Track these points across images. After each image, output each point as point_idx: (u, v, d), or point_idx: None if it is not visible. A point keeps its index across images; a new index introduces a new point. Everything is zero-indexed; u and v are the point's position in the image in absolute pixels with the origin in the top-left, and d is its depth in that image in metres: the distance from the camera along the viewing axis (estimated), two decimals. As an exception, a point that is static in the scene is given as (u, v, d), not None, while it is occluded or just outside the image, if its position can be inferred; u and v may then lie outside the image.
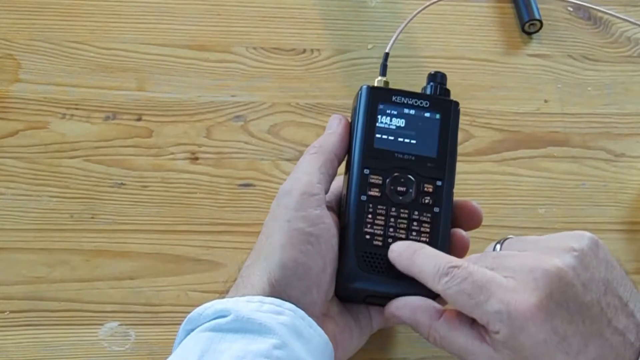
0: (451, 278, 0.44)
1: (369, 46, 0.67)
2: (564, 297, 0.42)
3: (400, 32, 0.56)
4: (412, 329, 0.47)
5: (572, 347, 0.41)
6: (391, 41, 0.55)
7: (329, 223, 0.47)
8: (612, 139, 0.65)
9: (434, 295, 0.47)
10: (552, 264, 0.42)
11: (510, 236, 0.48)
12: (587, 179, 0.63)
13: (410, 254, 0.47)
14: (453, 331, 0.45)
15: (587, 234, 0.45)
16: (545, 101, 0.66)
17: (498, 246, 0.47)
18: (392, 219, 0.49)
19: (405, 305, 0.47)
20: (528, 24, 0.69)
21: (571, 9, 0.71)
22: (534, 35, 0.69)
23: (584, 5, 0.70)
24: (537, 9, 0.69)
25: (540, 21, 0.69)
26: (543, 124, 0.65)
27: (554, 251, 0.44)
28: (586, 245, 0.44)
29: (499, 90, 0.67)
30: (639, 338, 0.42)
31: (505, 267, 0.44)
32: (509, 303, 0.42)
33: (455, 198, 0.50)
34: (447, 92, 0.52)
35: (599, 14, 0.70)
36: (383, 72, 0.54)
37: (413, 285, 0.47)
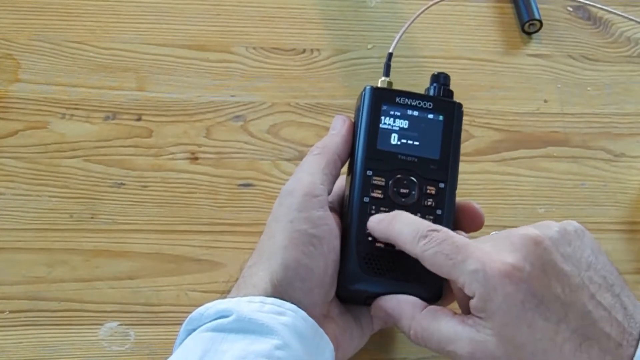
0: (430, 240, 0.44)
1: (369, 46, 0.67)
2: (540, 261, 0.41)
3: (404, 32, 0.56)
4: (395, 323, 0.47)
5: (551, 312, 0.41)
6: (394, 41, 0.55)
7: (331, 224, 0.47)
8: (612, 138, 0.65)
9: (431, 298, 0.47)
10: (530, 231, 0.43)
11: (496, 232, 0.48)
12: (586, 179, 0.63)
13: (389, 220, 0.47)
14: (434, 321, 0.44)
15: (576, 222, 0.45)
16: (545, 101, 0.66)
17: None
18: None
19: (392, 298, 0.47)
20: (528, 24, 0.69)
21: (571, 9, 0.71)
22: (533, 35, 0.69)
23: (584, 4, 0.70)
24: (537, 9, 0.69)
25: (540, 21, 0.69)
26: (543, 124, 0.65)
27: (536, 226, 0.44)
28: (571, 227, 0.44)
29: (498, 90, 0.67)
30: (627, 320, 0.41)
31: (487, 239, 0.44)
32: (485, 263, 0.41)
33: (457, 199, 0.50)
34: (451, 93, 0.52)
35: (599, 14, 0.70)
36: (387, 73, 0.54)
37: (413, 287, 0.47)
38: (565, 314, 0.41)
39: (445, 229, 0.45)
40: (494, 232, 0.47)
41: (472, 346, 0.42)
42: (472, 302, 0.42)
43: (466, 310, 0.44)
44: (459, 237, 0.44)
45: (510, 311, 0.41)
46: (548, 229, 0.43)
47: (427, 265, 0.44)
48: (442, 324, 0.44)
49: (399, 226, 0.46)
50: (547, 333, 0.41)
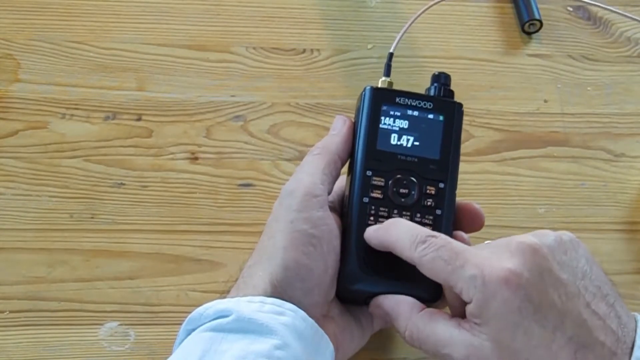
0: (428, 245, 0.44)
1: (369, 46, 0.67)
2: (538, 269, 0.41)
3: (405, 32, 0.56)
4: (392, 323, 0.47)
5: (548, 320, 0.41)
6: (395, 41, 0.55)
7: (331, 224, 0.47)
8: (612, 139, 0.65)
9: (431, 299, 0.47)
10: (528, 239, 0.43)
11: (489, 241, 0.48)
12: (586, 179, 0.63)
13: (386, 227, 0.47)
14: (431, 323, 0.44)
15: (570, 233, 0.45)
16: (545, 101, 0.66)
17: None
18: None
19: (390, 298, 0.47)
20: (528, 24, 0.69)
21: (571, 9, 0.71)
22: (533, 35, 0.69)
23: (584, 4, 0.70)
24: (537, 9, 0.69)
25: (540, 21, 0.69)
26: (543, 124, 0.65)
27: (534, 234, 0.44)
28: (567, 237, 0.44)
29: (498, 90, 0.67)
30: (621, 329, 0.41)
31: (485, 246, 0.44)
32: (483, 268, 0.41)
33: (457, 199, 0.50)
34: (451, 93, 0.52)
35: (599, 14, 0.70)
36: (387, 73, 0.54)
37: (413, 288, 0.47)
38: (561, 322, 0.41)
39: (443, 235, 0.45)
40: (487, 241, 0.47)
41: (468, 350, 0.42)
42: (469, 308, 0.42)
43: (459, 315, 0.44)
44: (457, 243, 0.44)
45: (507, 317, 0.41)
46: (545, 237, 0.43)
47: (425, 271, 0.44)
48: (438, 327, 0.44)
49: (396, 233, 0.46)
50: (543, 340, 0.40)
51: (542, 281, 0.41)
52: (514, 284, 0.41)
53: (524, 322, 0.41)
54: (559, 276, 0.42)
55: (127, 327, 0.55)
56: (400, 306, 0.46)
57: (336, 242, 0.47)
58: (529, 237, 0.43)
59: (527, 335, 0.40)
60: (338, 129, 0.51)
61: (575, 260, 0.43)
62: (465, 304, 0.42)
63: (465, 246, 0.44)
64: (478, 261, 0.42)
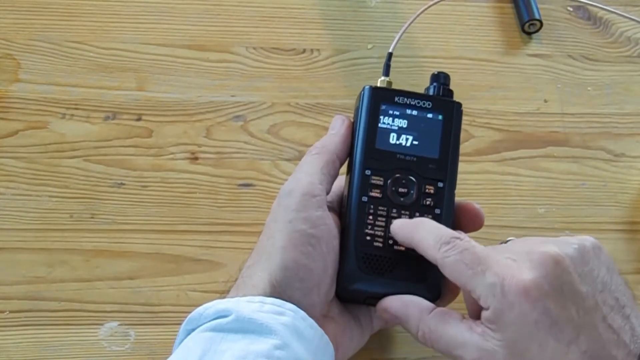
0: (452, 247, 0.44)
1: (369, 46, 0.67)
2: (558, 281, 0.41)
3: (404, 32, 0.56)
4: (402, 325, 0.47)
5: (563, 334, 0.41)
6: (394, 41, 0.55)
7: (330, 224, 0.47)
8: (612, 139, 0.65)
9: (430, 298, 0.47)
10: (550, 249, 0.42)
11: (511, 238, 0.48)
12: (587, 179, 0.63)
13: (413, 225, 0.47)
14: (443, 323, 0.44)
15: (592, 237, 0.45)
16: (545, 101, 0.66)
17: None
18: (393, 221, 0.48)
19: (398, 299, 0.47)
20: (528, 24, 0.69)
21: (571, 9, 0.71)
22: (533, 35, 0.69)
23: (584, 4, 0.70)
24: (537, 9, 0.69)
25: (540, 21, 0.69)
26: (543, 124, 0.65)
27: (556, 242, 0.44)
28: (589, 244, 0.44)
29: (499, 90, 0.67)
30: (634, 341, 0.42)
31: (506, 250, 0.44)
32: (504, 277, 0.41)
33: (457, 199, 0.50)
34: (450, 92, 0.52)
35: (599, 14, 0.70)
36: (386, 72, 0.54)
37: (413, 287, 0.47)
38: (577, 336, 0.41)
39: (467, 237, 0.44)
40: (510, 237, 0.47)
41: (480, 354, 0.42)
42: (486, 314, 0.42)
43: (474, 315, 0.44)
44: (480, 248, 0.44)
45: (523, 329, 0.41)
46: (568, 246, 0.43)
47: (446, 272, 0.44)
48: (450, 328, 0.44)
49: (422, 231, 0.46)
50: (557, 353, 0.40)
51: (561, 295, 0.41)
52: (533, 297, 0.41)
53: (540, 335, 0.41)
54: (579, 289, 0.42)
55: (127, 327, 0.55)
56: (409, 308, 0.46)
57: (335, 242, 0.47)
58: (551, 247, 0.43)
59: (541, 347, 0.41)
60: (337, 128, 0.51)
61: (597, 270, 0.43)
62: (481, 307, 0.43)
63: (488, 251, 0.44)
64: (499, 269, 0.42)
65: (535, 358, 0.41)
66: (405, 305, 0.46)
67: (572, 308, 0.41)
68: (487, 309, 0.42)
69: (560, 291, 0.41)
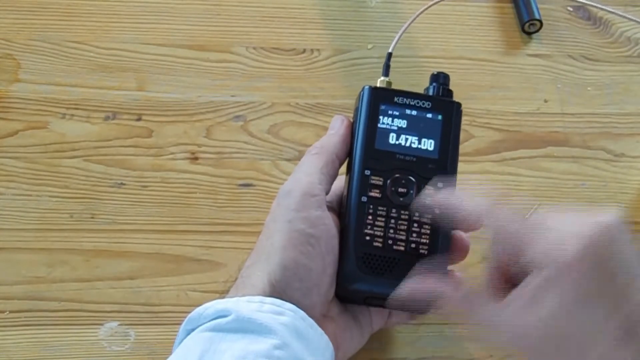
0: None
1: (369, 46, 0.67)
2: (605, 253, 0.40)
3: (404, 32, 0.56)
4: (428, 303, 0.45)
5: (603, 308, 0.40)
6: (394, 41, 0.55)
7: (329, 224, 0.47)
8: (612, 138, 0.65)
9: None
10: (599, 219, 0.41)
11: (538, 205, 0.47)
12: (587, 179, 0.63)
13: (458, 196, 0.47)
14: (475, 302, 0.44)
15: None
16: (545, 101, 0.66)
17: None
18: (392, 221, 0.48)
19: (425, 279, 0.46)
20: (528, 24, 0.69)
21: (571, 9, 0.71)
22: (533, 35, 0.69)
23: (584, 4, 0.70)
24: (537, 9, 0.69)
25: (540, 21, 0.69)
26: (543, 124, 0.65)
27: (603, 214, 0.43)
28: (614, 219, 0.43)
29: (499, 90, 0.67)
30: None
31: (558, 218, 0.43)
32: (551, 248, 0.41)
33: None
34: (450, 92, 0.52)
35: (599, 14, 0.70)
36: (386, 73, 0.54)
37: (413, 286, 0.47)
38: (615, 310, 0.40)
39: None
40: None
41: (515, 330, 0.41)
42: (525, 282, 0.41)
43: (499, 292, 0.43)
44: (533, 219, 0.43)
45: (562, 303, 0.40)
46: (611, 215, 0.42)
47: (499, 229, 0.43)
48: (482, 307, 0.43)
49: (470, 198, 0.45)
50: (595, 327, 0.40)
51: (604, 268, 0.40)
52: (575, 271, 0.40)
53: (578, 309, 0.40)
54: (622, 262, 0.41)
55: (127, 327, 0.55)
56: (442, 283, 0.45)
57: (334, 242, 0.47)
58: (600, 218, 0.41)
59: (579, 321, 0.40)
60: (336, 128, 0.51)
61: (632, 245, 0.42)
62: (508, 279, 0.42)
63: (547, 215, 0.43)
64: (547, 240, 0.41)
65: (571, 333, 0.40)
66: (436, 282, 0.46)
67: (614, 281, 0.40)
68: (528, 276, 0.41)
69: (603, 265, 0.40)
